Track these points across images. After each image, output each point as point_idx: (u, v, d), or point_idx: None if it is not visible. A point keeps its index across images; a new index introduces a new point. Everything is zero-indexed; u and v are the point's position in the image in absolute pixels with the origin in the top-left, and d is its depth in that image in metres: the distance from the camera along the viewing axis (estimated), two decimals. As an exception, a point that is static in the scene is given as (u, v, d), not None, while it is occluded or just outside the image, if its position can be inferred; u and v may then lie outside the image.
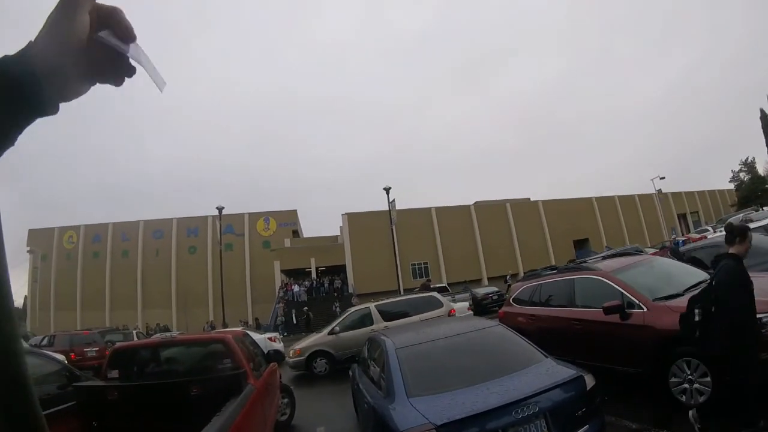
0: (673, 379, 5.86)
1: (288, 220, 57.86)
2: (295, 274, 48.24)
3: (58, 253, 55.93)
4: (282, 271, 47.79)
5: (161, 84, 0.87)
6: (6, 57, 0.73)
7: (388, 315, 14.79)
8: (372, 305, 15.74)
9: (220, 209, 33.82)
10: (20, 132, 0.75)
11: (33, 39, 0.76)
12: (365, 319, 14.89)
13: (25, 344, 15.21)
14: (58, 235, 56.56)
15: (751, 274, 7.51)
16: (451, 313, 14.70)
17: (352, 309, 17.29)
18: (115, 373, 6.00)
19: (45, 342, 20.22)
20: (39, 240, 55.75)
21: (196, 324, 45.21)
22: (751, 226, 13.89)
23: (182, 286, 52.71)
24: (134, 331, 27.18)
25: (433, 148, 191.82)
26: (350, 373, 7.81)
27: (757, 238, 10.64)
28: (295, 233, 58.85)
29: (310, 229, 66.00)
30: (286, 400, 8.67)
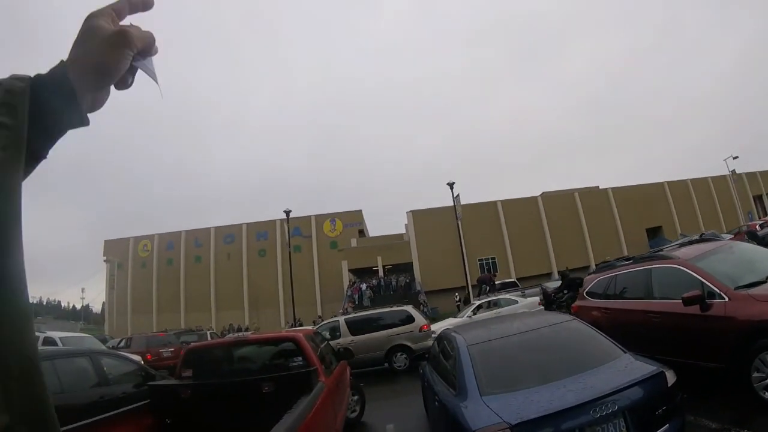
0: (755, 375, 5.49)
1: (353, 221, 58.44)
2: (363, 273, 48.72)
3: (134, 262, 59.00)
4: (349, 270, 48.55)
5: (162, 93, 0.95)
6: (40, 75, 0.79)
7: (355, 328, 15.04)
8: (341, 318, 16.18)
9: (287, 213, 34.73)
10: (53, 145, 0.81)
11: (64, 58, 0.81)
12: (334, 332, 15.13)
13: (102, 346, 16.03)
14: (133, 244, 59.59)
15: None
16: (422, 329, 14.69)
17: (324, 322, 18.25)
18: (188, 373, 6.26)
19: (122, 344, 21.11)
20: (115, 249, 58.98)
21: (267, 324, 46.68)
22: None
23: (253, 288, 54.50)
24: (208, 332, 28.14)
25: (496, 140, 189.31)
26: (420, 370, 7.83)
27: None
28: (361, 233, 59.43)
29: (375, 228, 66.57)
30: (356, 397, 8.79)
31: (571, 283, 16.23)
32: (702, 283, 6.41)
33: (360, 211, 61.19)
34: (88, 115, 0.84)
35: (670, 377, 4.29)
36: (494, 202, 50.04)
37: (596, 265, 27.65)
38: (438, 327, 17.52)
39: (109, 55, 0.82)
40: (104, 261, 59.25)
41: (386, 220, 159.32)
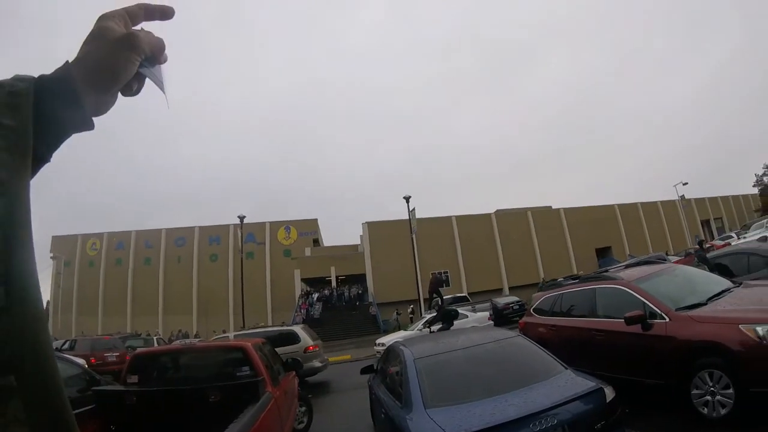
0: (695, 391, 5.73)
1: (309, 229, 58.14)
2: (315, 283, 48.23)
3: (81, 260, 56.89)
4: (302, 280, 47.86)
5: (169, 102, 0.92)
6: (44, 76, 0.76)
7: None
8: (231, 334, 16.17)
9: (241, 218, 34.36)
10: (57, 148, 0.79)
11: (71, 59, 0.79)
12: None
13: None
14: (82, 242, 57.59)
15: (756, 283, 7.53)
16: (308, 350, 14.51)
17: (218, 336, 18.34)
18: (134, 379, 6.13)
19: (66, 346, 20.37)
20: (62, 246, 56.63)
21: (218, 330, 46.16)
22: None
23: (203, 293, 53.31)
24: (155, 337, 27.47)
25: (454, 156, 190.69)
26: (368, 383, 7.81)
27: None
28: (316, 242, 59.07)
29: (330, 238, 66.20)
30: (303, 408, 8.73)
31: (446, 315, 16.39)
32: (644, 303, 6.66)
33: (315, 219, 61.02)
34: (94, 119, 0.82)
35: (609, 393, 4.42)
36: (449, 218, 50.40)
37: (544, 282, 28.23)
38: (388, 340, 17.56)
39: (116, 58, 0.81)
40: (51, 258, 56.59)
41: (342, 231, 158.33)
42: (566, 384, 4.58)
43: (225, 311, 51.74)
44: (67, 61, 0.78)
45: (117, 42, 0.81)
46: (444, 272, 46.60)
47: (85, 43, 0.81)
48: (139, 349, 9.73)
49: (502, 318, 24.02)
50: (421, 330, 19.11)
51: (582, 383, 4.56)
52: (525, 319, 10.35)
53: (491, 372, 5.02)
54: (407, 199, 32.10)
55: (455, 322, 19.10)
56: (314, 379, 14.31)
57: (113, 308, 53.53)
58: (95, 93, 0.80)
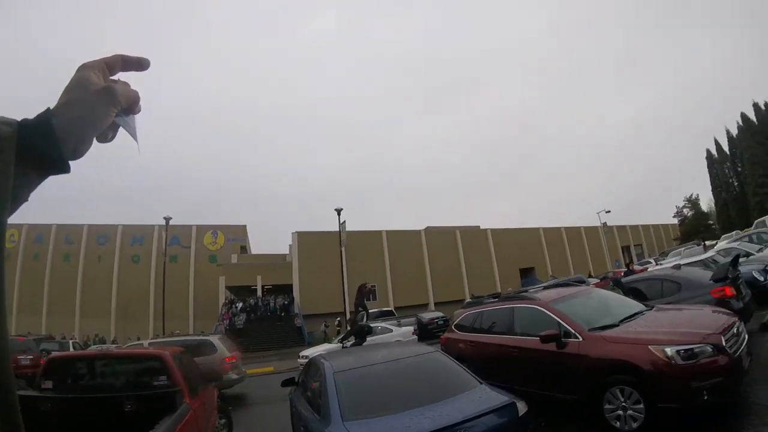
0: (607, 406, 6.01)
1: (237, 236, 56.77)
2: (241, 291, 47.02)
3: (-5, 251, 52.92)
4: (227, 288, 46.51)
5: (139, 147, 0.97)
6: (26, 120, 0.79)
7: None
8: (146, 342, 16.00)
9: (167, 219, 33.06)
10: (34, 189, 0.82)
11: (52, 106, 0.83)
12: None
13: None
14: (-2, 231, 53.69)
15: (685, 306, 8.01)
16: (225, 361, 14.18)
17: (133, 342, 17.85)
18: (49, 384, 5.87)
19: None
20: (-25, 235, 52.68)
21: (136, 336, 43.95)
22: (688, 261, 14.52)
23: (123, 296, 50.64)
24: (71, 341, 26.24)
25: (389, 172, 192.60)
26: (289, 396, 7.73)
27: (692, 271, 11.19)
28: (243, 249, 57.78)
29: (259, 245, 64.97)
30: (223, 421, 8.46)
31: (359, 330, 16.57)
32: (559, 323, 6.95)
33: (244, 226, 59.82)
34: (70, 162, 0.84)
35: (522, 407, 4.59)
36: (380, 232, 50.57)
37: (473, 297, 28.76)
38: (312, 352, 17.40)
39: (94, 110, 0.84)
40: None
41: (271, 239, 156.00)
42: (480, 398, 4.72)
43: (145, 316, 49.24)
44: (48, 108, 0.82)
45: (96, 95, 0.84)
46: (372, 285, 46.75)
47: (66, 91, 0.84)
48: (54, 353, 9.26)
49: (426, 333, 24.18)
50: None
51: (495, 398, 4.71)
52: (446, 334, 10.49)
53: (409, 386, 5.11)
54: (338, 211, 32.10)
55: (378, 337, 19.24)
56: (231, 392, 13.95)
57: (27, 307, 49.18)
58: (73, 141, 0.82)
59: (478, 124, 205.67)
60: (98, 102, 0.84)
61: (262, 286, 47.48)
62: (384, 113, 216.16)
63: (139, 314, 48.82)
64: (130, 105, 0.92)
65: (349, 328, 18.04)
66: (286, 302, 44.08)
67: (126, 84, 0.94)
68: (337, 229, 32.87)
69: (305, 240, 45.97)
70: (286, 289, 45.47)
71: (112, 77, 0.92)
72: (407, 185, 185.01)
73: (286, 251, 53.71)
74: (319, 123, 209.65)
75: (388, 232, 51.09)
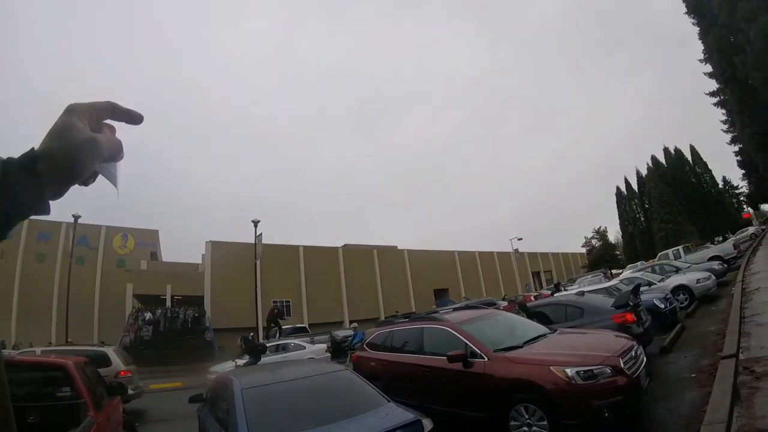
0: (513, 423, 6.23)
1: (148, 240, 53.76)
2: (149, 301, 44.70)
3: None
4: (135, 296, 43.96)
5: (118, 189, 0.97)
6: (11, 160, 0.80)
7: None
8: (39, 349, 16.13)
9: (76, 217, 30.92)
10: (13, 227, 0.82)
11: (37, 146, 0.83)
12: None
13: None
14: None
15: (587, 330, 8.43)
16: (119, 375, 13.67)
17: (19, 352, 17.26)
18: None
19: None
20: None
21: (38, 342, 40.35)
22: (591, 288, 15.28)
23: (26, 297, 45.19)
24: (-33, 345, 24.34)
25: (311, 187, 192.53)
26: (197, 412, 7.52)
27: (595, 297, 11.74)
28: (154, 255, 54.80)
29: (170, 254, 62.57)
30: None
31: (254, 349, 16.56)
32: (466, 344, 7.16)
33: (156, 231, 56.99)
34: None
35: (427, 424, 4.74)
36: (296, 247, 50.12)
37: (396, 314, 28.99)
38: (222, 368, 16.97)
39: (76, 159, 0.84)
40: None
41: (183, 248, 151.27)
42: (387, 416, 4.80)
43: (48, 321, 44.38)
44: (33, 148, 0.82)
45: (80, 145, 0.84)
46: (285, 301, 46.09)
47: (51, 135, 0.84)
48: None
49: (340, 350, 24.08)
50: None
51: (401, 415, 4.80)
52: (358, 353, 10.52)
53: (317, 403, 5.13)
54: (255, 223, 31.53)
55: (291, 354, 19.03)
56: (130, 407, 13.38)
57: None
58: (55, 186, 0.83)
59: (401, 149, 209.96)
60: (81, 153, 0.84)
61: (172, 297, 45.31)
62: (311, 130, 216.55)
63: (42, 318, 44.32)
64: (112, 155, 0.93)
65: (242, 345, 17.79)
66: (196, 315, 42.59)
67: (112, 129, 0.95)
68: (253, 241, 32.18)
69: (219, 250, 44.72)
70: (197, 301, 43.90)
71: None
72: (328, 202, 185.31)
73: (199, 261, 52.07)
74: (243, 134, 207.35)
75: (305, 247, 50.74)
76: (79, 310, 38.34)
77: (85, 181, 0.92)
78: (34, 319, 43.20)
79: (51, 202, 0.85)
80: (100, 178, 0.96)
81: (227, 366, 17.58)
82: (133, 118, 0.97)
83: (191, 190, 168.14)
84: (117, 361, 13.86)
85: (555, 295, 16.35)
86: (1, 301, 44.14)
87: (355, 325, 32.29)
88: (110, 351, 14.51)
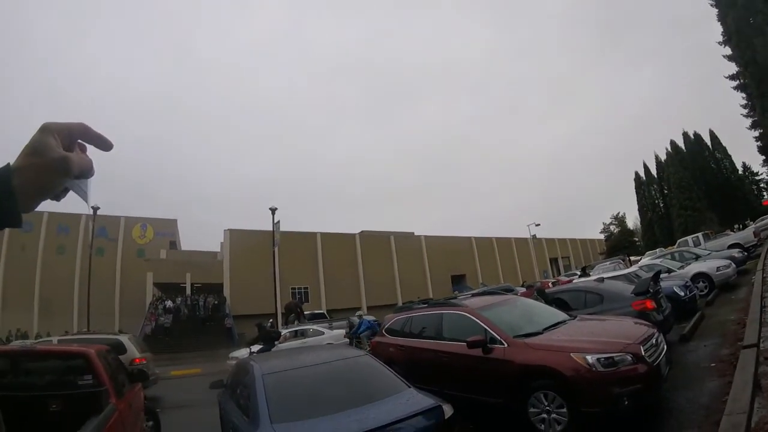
0: (532, 410, 6.20)
1: (166, 230, 54.04)
2: (169, 289, 45.12)
3: None
4: (155, 284, 44.32)
5: (89, 207, 1.09)
6: None
7: None
8: (55, 339, 15.82)
9: (95, 209, 31.05)
10: None
11: (11, 162, 0.88)
12: None
13: None
14: None
15: (607, 317, 8.36)
16: (134, 362, 13.73)
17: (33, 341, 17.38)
18: None
19: None
20: None
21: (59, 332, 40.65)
22: (611, 274, 15.15)
23: (47, 290, 46.24)
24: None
25: (328, 174, 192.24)
26: (218, 398, 7.59)
27: (614, 284, 11.64)
28: (173, 244, 55.34)
29: (189, 242, 62.92)
30: (150, 422, 8.15)
31: (267, 336, 16.47)
32: (485, 329, 7.14)
33: (175, 220, 57.15)
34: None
35: (448, 410, 4.69)
36: (314, 234, 50.29)
37: (419, 299, 29.02)
38: (240, 355, 17.11)
39: (47, 177, 0.89)
40: None
41: (202, 237, 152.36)
42: (408, 401, 4.79)
43: (69, 312, 45.43)
44: (8, 164, 0.87)
45: (52, 164, 0.88)
46: (304, 288, 46.41)
47: (26, 153, 0.89)
48: None
49: (358, 336, 24.14)
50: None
51: (422, 401, 4.79)
52: (377, 338, 10.54)
53: (337, 389, 5.12)
54: (273, 210, 31.62)
55: (309, 340, 19.14)
56: (148, 394, 13.52)
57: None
58: (28, 200, 0.88)
59: (416, 135, 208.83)
60: (52, 171, 0.89)
61: (192, 284, 45.70)
62: (323, 118, 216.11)
63: (63, 309, 44.72)
64: (82, 173, 0.97)
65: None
66: (216, 302, 42.94)
67: (83, 148, 1.00)
68: (271, 229, 32.26)
69: (237, 238, 44.99)
70: (217, 289, 44.27)
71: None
72: (343, 190, 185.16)
73: (218, 249, 52.47)
74: (258, 123, 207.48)
75: (322, 234, 50.90)
76: (100, 301, 38.66)
77: (57, 196, 0.97)
78: (56, 310, 43.76)
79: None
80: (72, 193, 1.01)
81: (246, 352, 17.72)
82: (103, 143, 1.02)
83: (209, 179, 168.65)
84: (132, 349, 14.03)
85: (581, 279, 16.21)
86: (23, 294, 44.89)
87: (360, 312, 32.34)
88: (125, 339, 14.68)
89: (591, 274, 23.71)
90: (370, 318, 19.65)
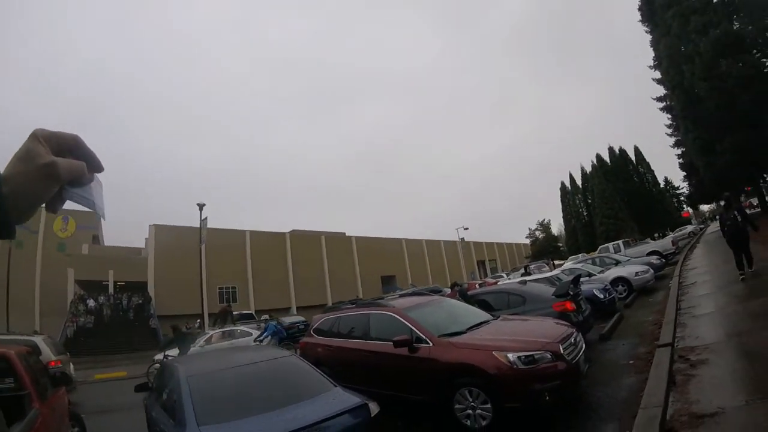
0: (457, 406, 6.36)
1: (89, 223, 50.87)
2: (92, 287, 42.99)
3: None
4: (76, 281, 42.13)
5: (102, 212, 1.02)
6: None
7: None
8: None
9: None
10: None
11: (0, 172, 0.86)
12: None
13: None
14: None
15: (528, 317, 8.66)
16: (50, 365, 13.41)
17: None
18: None
19: None
20: None
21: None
22: (529, 278, 15.71)
23: None
24: None
25: (260, 173, 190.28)
26: (144, 401, 7.39)
27: (536, 286, 12.07)
28: (96, 239, 52.93)
29: (112, 238, 60.46)
30: (76, 429, 7.82)
31: (182, 338, 16.18)
32: (411, 329, 7.27)
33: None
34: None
35: (374, 408, 4.77)
36: (243, 231, 49.46)
37: (359, 297, 29.00)
38: (158, 357, 16.74)
39: (36, 185, 0.86)
40: None
41: (125, 231, 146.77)
42: (334, 400, 4.84)
43: None
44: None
45: (40, 170, 0.86)
46: (231, 287, 45.63)
47: (15, 160, 0.86)
48: None
49: (287, 337, 23.99)
50: (203, 347, 18.57)
51: (348, 399, 4.85)
52: (305, 339, 10.47)
53: (264, 389, 5.12)
54: (201, 206, 30.80)
55: (237, 341, 18.89)
56: (71, 398, 13.01)
57: None
58: (20, 210, 0.85)
59: (355, 137, 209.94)
60: (40, 178, 0.86)
61: (115, 282, 43.92)
62: (261, 113, 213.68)
63: None
64: (74, 178, 0.92)
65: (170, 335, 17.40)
66: (140, 301, 41.47)
67: (71, 160, 0.93)
68: (198, 226, 31.48)
69: (163, 234, 43.49)
70: (141, 287, 42.74)
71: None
72: (277, 187, 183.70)
73: (143, 245, 50.66)
74: (193, 113, 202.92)
75: (251, 232, 50.20)
76: (19, 298, 36.59)
77: (53, 206, 0.94)
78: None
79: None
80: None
81: (161, 357, 17.26)
82: (93, 161, 0.99)
83: (132, 173, 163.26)
84: (47, 351, 13.35)
85: (524, 278, 16.63)
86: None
87: (266, 317, 32.03)
88: (40, 340, 13.93)
89: (531, 273, 24.52)
90: (274, 323, 19.49)
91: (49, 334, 18.10)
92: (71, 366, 15.19)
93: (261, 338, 17.76)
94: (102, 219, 1.01)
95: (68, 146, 0.94)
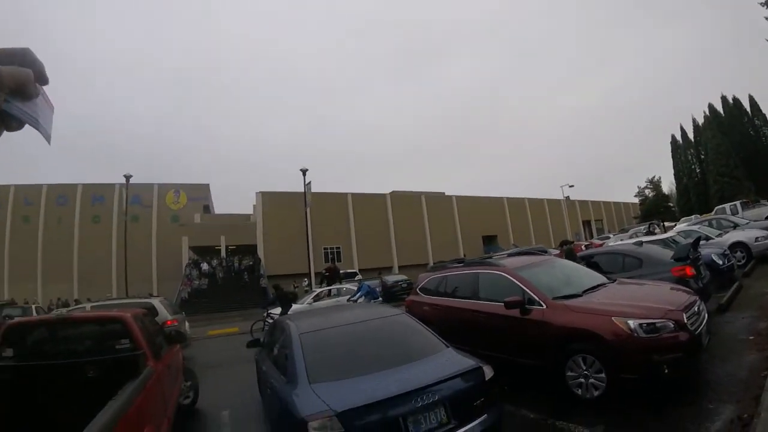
0: (569, 373, 6.08)
1: (199, 195, 54.56)
2: (204, 252, 46.39)
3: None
4: (190, 248, 45.78)
5: (48, 136, 0.89)
6: None
7: None
8: (87, 306, 15.90)
9: (127, 177, 31.51)
10: None
11: None
12: None
13: None
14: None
15: (646, 282, 8.12)
16: (166, 324, 13.84)
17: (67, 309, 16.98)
18: (9, 352, 5.60)
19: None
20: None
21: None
22: (650, 239, 14.76)
23: (85, 258, 47.32)
24: (33, 306, 25.53)
25: (358, 133, 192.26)
26: (255, 357, 7.66)
27: (654, 248, 11.37)
28: (206, 209, 56.23)
29: (222, 206, 63.65)
30: (189, 383, 8.28)
31: (283, 298, 16.38)
32: (523, 290, 6.98)
33: (207, 185, 58.07)
34: None
35: (488, 372, 4.57)
36: (345, 194, 50.50)
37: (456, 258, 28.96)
38: (276, 312, 17.34)
39: None
40: None
41: (234, 199, 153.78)
42: (447, 362, 4.70)
43: (108, 279, 46.22)
44: None
45: None
46: (336, 247, 46.83)
47: None
48: (14, 319, 8.90)
49: (390, 295, 24.27)
50: (310, 304, 19.06)
51: (462, 362, 4.69)
52: (411, 297, 10.46)
53: (375, 348, 5.07)
54: (304, 171, 31.54)
55: (343, 298, 19.27)
56: (185, 354, 13.82)
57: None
58: None
59: (444, 94, 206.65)
60: None
61: (227, 247, 46.74)
62: (351, 78, 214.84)
63: (101, 277, 45.94)
64: (19, 87, 0.81)
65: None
66: (251, 263, 43.68)
67: (15, 67, 0.82)
68: (302, 190, 32.27)
69: (269, 200, 45.45)
70: (251, 250, 45.05)
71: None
72: (373, 150, 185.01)
73: (250, 212, 53.11)
74: (286, 84, 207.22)
75: (353, 194, 51.05)
76: (138, 267, 39.71)
77: (7, 124, 0.84)
78: (94, 278, 44.71)
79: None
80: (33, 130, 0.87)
81: (264, 315, 17.91)
82: (41, 73, 0.87)
83: (239, 145, 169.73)
84: (164, 312, 14.14)
85: (643, 239, 15.67)
86: (62, 264, 45.83)
87: (359, 277, 32.28)
88: (157, 302, 14.76)
89: (655, 233, 23.14)
90: (370, 282, 19.57)
91: (166, 297, 19.28)
92: (186, 324, 16.02)
93: (354, 297, 17.98)
94: (47, 142, 0.89)
95: (19, 62, 0.84)
